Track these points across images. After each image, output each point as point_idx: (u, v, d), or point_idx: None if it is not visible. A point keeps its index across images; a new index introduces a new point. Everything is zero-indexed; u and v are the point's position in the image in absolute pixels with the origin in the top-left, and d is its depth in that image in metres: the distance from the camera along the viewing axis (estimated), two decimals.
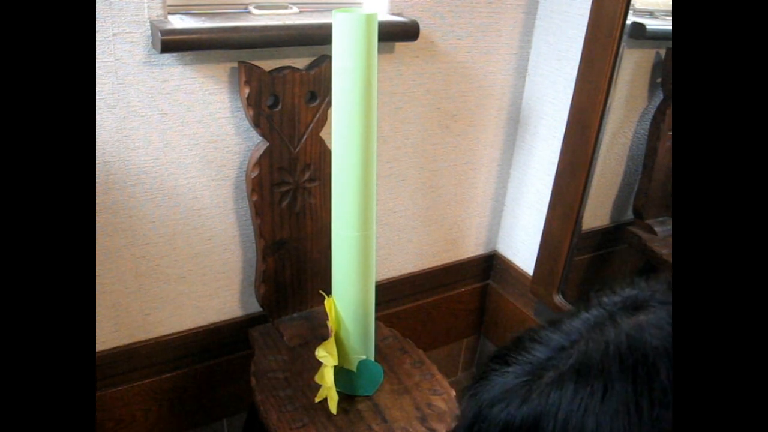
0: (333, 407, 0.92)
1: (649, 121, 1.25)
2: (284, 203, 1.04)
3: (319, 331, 1.09)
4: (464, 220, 1.39)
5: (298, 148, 1.01)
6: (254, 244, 1.08)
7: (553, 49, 1.22)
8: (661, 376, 0.32)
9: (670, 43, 1.20)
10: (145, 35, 0.88)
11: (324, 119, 1.02)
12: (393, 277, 1.34)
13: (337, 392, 0.93)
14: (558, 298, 1.27)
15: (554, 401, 0.34)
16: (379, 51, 0.88)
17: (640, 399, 0.32)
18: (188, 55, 0.93)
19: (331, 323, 0.95)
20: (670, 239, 1.27)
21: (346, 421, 0.92)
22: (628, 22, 1.05)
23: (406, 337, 1.11)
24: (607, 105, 1.10)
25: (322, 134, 1.03)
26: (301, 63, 1.00)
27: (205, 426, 1.23)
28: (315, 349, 0.94)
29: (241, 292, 1.15)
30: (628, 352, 0.33)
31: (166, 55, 0.91)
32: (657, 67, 1.23)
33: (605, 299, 0.40)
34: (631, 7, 1.03)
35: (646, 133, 1.26)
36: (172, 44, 0.85)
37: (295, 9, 1.02)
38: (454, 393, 0.98)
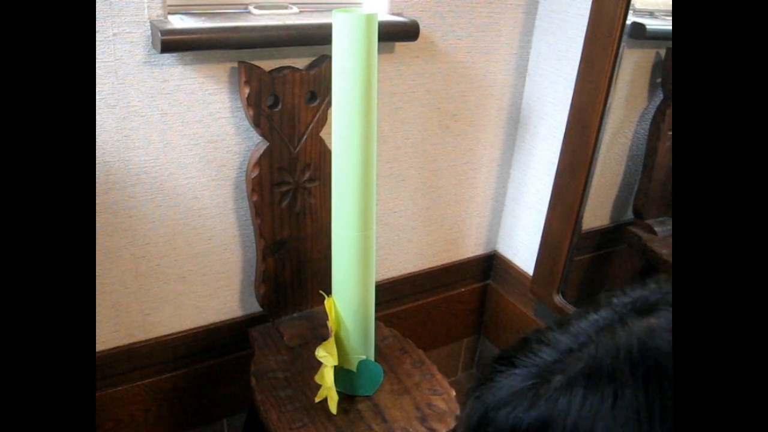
0: (333, 407, 0.92)
1: (649, 121, 1.25)
2: (284, 203, 1.04)
3: (319, 331, 1.09)
4: (464, 220, 1.39)
5: (298, 148, 1.01)
6: (254, 244, 1.08)
7: (553, 49, 1.22)
8: None
9: (670, 43, 1.20)
10: (145, 35, 0.88)
11: (324, 119, 1.02)
12: (393, 277, 1.34)
13: (337, 392, 0.93)
14: (558, 298, 1.27)
15: (563, 407, 0.33)
16: (379, 51, 0.88)
17: (652, 406, 0.31)
18: (188, 55, 0.93)
19: (331, 323, 0.95)
20: (670, 239, 1.27)
21: (346, 421, 0.92)
22: (628, 22, 1.05)
23: (406, 337, 1.11)
24: (607, 105, 1.10)
25: (322, 134, 1.03)
26: (301, 63, 1.00)
27: (205, 426, 1.23)
28: (315, 349, 0.94)
29: (241, 292, 1.15)
30: (640, 358, 0.33)
31: (166, 55, 0.91)
32: (657, 67, 1.23)
33: (615, 300, 0.39)
34: (631, 7, 1.03)
35: (646, 133, 1.26)
36: (172, 44, 0.85)
37: (295, 9, 1.02)
38: (454, 393, 0.98)
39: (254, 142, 1.02)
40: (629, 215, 1.33)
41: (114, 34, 0.86)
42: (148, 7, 0.87)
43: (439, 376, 1.01)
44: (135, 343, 1.08)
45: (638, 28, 1.11)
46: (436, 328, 1.47)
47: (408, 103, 1.17)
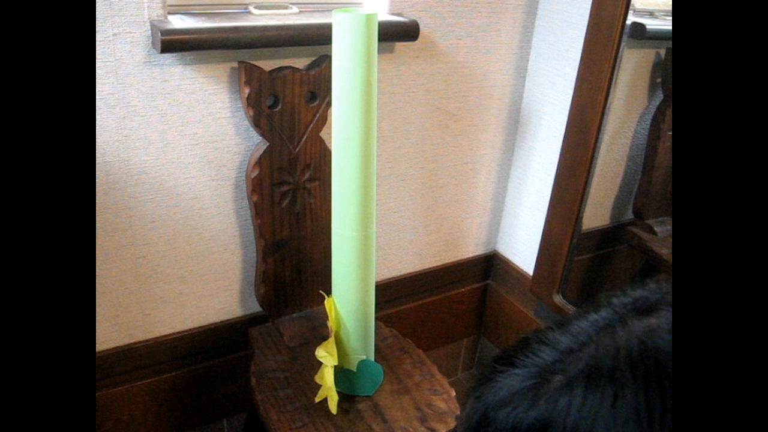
0: (333, 407, 0.92)
1: (649, 121, 1.25)
2: (284, 203, 1.04)
3: (319, 331, 1.09)
4: (464, 220, 1.39)
5: (298, 148, 1.01)
6: (254, 244, 1.08)
7: (553, 49, 1.22)
8: None
9: (670, 43, 1.20)
10: (145, 35, 0.88)
11: (324, 119, 1.02)
12: (393, 277, 1.34)
13: (337, 392, 0.93)
14: (558, 298, 1.27)
15: (563, 407, 0.33)
16: (379, 51, 0.88)
17: (652, 407, 0.31)
18: (188, 55, 0.93)
19: (331, 323, 0.95)
20: (670, 239, 1.27)
21: (346, 421, 0.92)
22: (628, 22, 1.05)
23: (406, 337, 1.11)
24: (607, 105, 1.10)
25: (322, 134, 1.03)
26: (301, 63, 1.00)
27: (205, 426, 1.23)
28: (315, 349, 0.94)
29: (241, 292, 1.15)
30: (640, 358, 0.32)
31: (166, 55, 0.91)
32: (657, 67, 1.23)
33: (615, 300, 0.39)
34: (631, 7, 1.03)
35: (646, 133, 1.26)
36: (172, 44, 0.85)
37: (295, 9, 1.02)
38: (454, 393, 0.98)
39: (254, 142, 1.02)
40: (629, 215, 1.33)
41: (114, 34, 0.86)
42: (148, 7, 0.87)
43: (439, 376, 1.01)
44: (135, 343, 1.08)
45: (638, 28, 1.11)
46: (436, 328, 1.47)
47: (408, 103, 1.17)
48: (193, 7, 0.98)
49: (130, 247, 1.00)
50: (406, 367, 1.04)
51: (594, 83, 1.09)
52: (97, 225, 0.96)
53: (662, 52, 1.21)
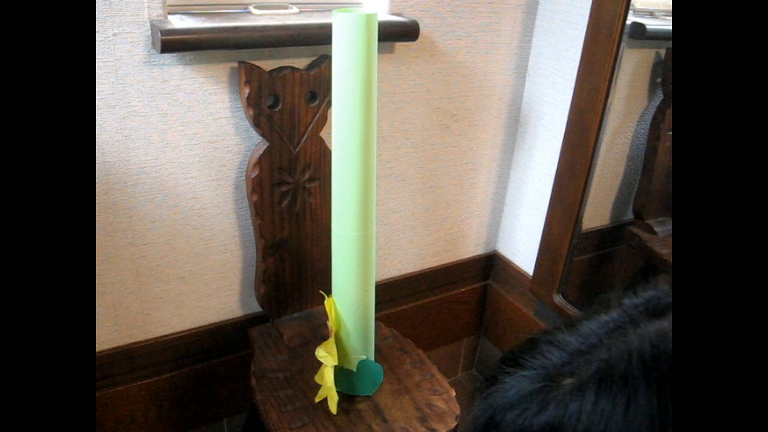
0: (333, 407, 0.92)
1: (649, 121, 1.25)
2: (284, 203, 1.04)
3: (319, 331, 1.09)
4: (464, 220, 1.39)
5: (298, 148, 1.01)
6: (254, 244, 1.08)
7: (553, 49, 1.22)
8: None
9: (670, 43, 1.20)
10: (145, 35, 0.88)
11: (324, 119, 1.02)
12: (393, 277, 1.34)
13: (337, 392, 0.93)
14: (558, 298, 1.27)
15: (574, 412, 0.33)
16: (379, 51, 0.88)
17: (665, 413, 0.30)
18: (188, 55, 0.93)
19: (331, 323, 0.95)
20: (670, 239, 1.27)
21: (346, 421, 0.92)
22: (628, 22, 1.05)
23: (406, 337, 1.11)
24: (607, 105, 1.10)
25: (322, 134, 1.03)
26: (301, 63, 1.00)
27: (205, 426, 1.23)
28: (315, 349, 0.94)
29: (241, 292, 1.15)
30: (653, 363, 0.32)
31: (166, 55, 0.91)
32: (657, 67, 1.23)
33: (626, 301, 0.38)
34: (631, 7, 1.03)
35: (646, 133, 1.26)
36: (172, 44, 0.85)
37: (295, 9, 1.02)
38: (454, 393, 0.98)
39: (254, 142, 1.02)
40: (629, 215, 1.33)
41: (114, 34, 0.86)
42: (148, 7, 0.87)
43: (439, 376, 1.01)
44: (135, 343, 1.08)
45: (638, 28, 1.11)
46: (436, 328, 1.47)
47: (408, 103, 1.17)
48: (193, 7, 0.98)
49: (130, 247, 1.00)
50: (406, 367, 1.04)
51: (594, 83, 1.09)
52: (97, 225, 0.96)
53: (662, 52, 1.21)
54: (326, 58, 0.99)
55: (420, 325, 1.43)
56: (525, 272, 1.39)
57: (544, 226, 1.27)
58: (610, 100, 1.10)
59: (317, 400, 0.94)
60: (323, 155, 1.04)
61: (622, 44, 1.06)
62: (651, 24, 1.14)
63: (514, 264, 1.43)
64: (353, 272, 0.92)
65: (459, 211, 1.37)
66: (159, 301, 1.07)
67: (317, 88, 1.00)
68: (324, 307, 0.97)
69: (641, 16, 1.12)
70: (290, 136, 1.00)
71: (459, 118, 1.25)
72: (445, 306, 1.46)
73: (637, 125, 1.26)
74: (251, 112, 0.95)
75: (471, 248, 1.44)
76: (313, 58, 1.02)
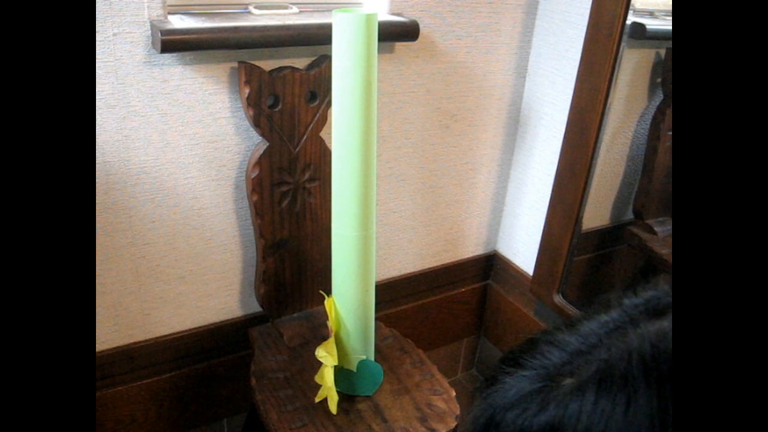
0: (333, 407, 0.92)
1: (649, 121, 1.25)
2: (284, 203, 1.04)
3: (319, 331, 1.09)
4: (464, 220, 1.39)
5: (298, 148, 1.01)
6: (254, 244, 1.08)
7: (553, 49, 1.22)
8: None
9: (670, 43, 1.20)
10: (145, 35, 0.88)
11: (324, 119, 1.02)
12: (393, 277, 1.34)
13: (337, 392, 0.93)
14: (558, 298, 1.27)
15: (573, 412, 0.33)
16: (379, 51, 0.88)
17: (665, 413, 0.30)
18: (188, 55, 0.93)
19: (331, 323, 0.95)
20: (670, 239, 1.27)
21: (346, 421, 0.92)
22: (628, 22, 1.05)
23: (406, 337, 1.11)
24: (607, 105, 1.10)
25: (322, 134, 1.03)
26: (301, 63, 1.00)
27: (205, 426, 1.23)
28: (315, 349, 0.94)
29: (241, 292, 1.15)
30: (653, 364, 0.32)
31: (166, 55, 0.91)
32: (657, 67, 1.23)
33: (626, 301, 0.38)
34: (631, 7, 1.03)
35: (646, 133, 1.26)
36: (172, 44, 0.85)
37: (295, 9, 1.02)
38: (454, 393, 0.98)
39: (254, 142, 1.02)
40: (629, 215, 1.33)
41: (114, 34, 0.86)
42: (148, 7, 0.87)
43: (439, 376, 1.01)
44: (135, 343, 1.08)
45: (638, 28, 1.11)
46: (436, 328, 1.47)
47: (408, 103, 1.17)
48: (193, 7, 0.98)
49: (130, 247, 1.00)
50: (406, 367, 1.04)
51: (594, 83, 1.09)
52: (97, 225, 0.96)
53: (662, 52, 1.21)
54: (326, 58, 0.99)
55: (420, 325, 1.43)
56: (525, 272, 1.39)
57: (544, 226, 1.27)
58: (610, 100, 1.10)
59: (317, 400, 0.94)
60: (323, 155, 1.04)
61: (622, 44, 1.06)
62: (651, 24, 1.14)
63: (514, 264, 1.43)
64: (353, 272, 0.92)
65: (459, 211, 1.37)
66: (159, 301, 1.07)
67: (317, 88, 1.00)
68: (324, 307, 0.97)
69: (641, 16, 1.12)
70: (290, 136, 1.00)
71: (459, 118, 1.25)
72: (445, 306, 1.46)
73: (637, 125, 1.26)
74: (251, 112, 0.95)
75: (471, 248, 1.44)
76: (313, 58, 1.02)
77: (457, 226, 1.38)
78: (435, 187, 1.30)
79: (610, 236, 1.35)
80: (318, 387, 0.94)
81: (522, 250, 1.40)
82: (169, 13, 0.92)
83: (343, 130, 0.85)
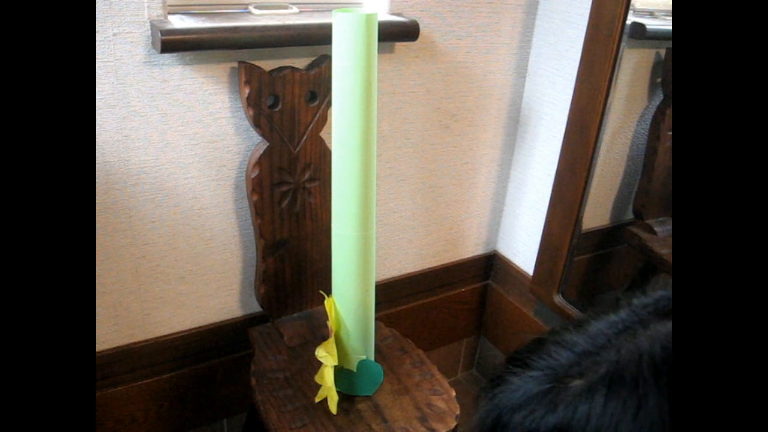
0: (333, 407, 0.92)
1: (649, 121, 1.25)
2: (284, 203, 1.04)
3: (319, 331, 1.09)
4: (464, 220, 1.39)
5: (298, 148, 1.01)
6: (254, 244, 1.08)
7: (553, 49, 1.22)
8: None
9: (670, 43, 1.20)
10: (145, 35, 0.88)
11: (324, 119, 1.02)
12: (393, 277, 1.34)
13: (337, 392, 0.93)
14: (558, 298, 1.27)
15: (583, 414, 0.32)
16: (379, 51, 0.88)
17: None
18: (188, 55, 0.93)
19: (331, 323, 0.95)
20: (670, 239, 1.27)
21: (346, 421, 0.92)
22: (628, 22, 1.05)
23: (406, 337, 1.11)
24: (607, 105, 1.10)
25: (322, 134, 1.03)
26: (301, 63, 1.00)
27: (205, 426, 1.23)
28: (315, 349, 0.94)
29: (241, 292, 1.15)
30: (664, 367, 0.31)
31: (166, 55, 0.91)
32: (657, 67, 1.23)
33: (635, 301, 0.37)
34: (631, 7, 1.03)
35: (646, 133, 1.26)
36: (172, 44, 0.85)
37: (295, 9, 1.02)
38: (454, 393, 0.98)
39: (254, 142, 1.02)
40: (629, 215, 1.33)
41: (114, 34, 0.86)
42: (148, 7, 0.87)
43: (439, 376, 1.01)
44: (135, 343, 1.08)
45: (638, 28, 1.11)
46: (436, 328, 1.47)
47: (408, 103, 1.17)
48: (193, 7, 0.98)
49: (130, 247, 1.00)
50: (406, 367, 1.04)
51: (594, 83, 1.09)
52: (97, 225, 0.96)
53: (662, 52, 1.21)
54: (326, 58, 0.99)
55: (420, 325, 1.43)
56: (525, 272, 1.39)
57: (544, 226, 1.27)
58: (610, 100, 1.10)
59: (317, 400, 0.94)
60: (323, 155, 1.04)
61: (622, 44, 1.06)
62: (651, 24, 1.14)
63: (514, 264, 1.43)
64: (353, 272, 0.92)
65: (459, 211, 1.36)
66: (159, 301, 1.07)
67: (317, 88, 1.00)
68: (324, 307, 0.97)
69: (641, 16, 1.12)
70: (290, 136, 1.00)
71: (459, 118, 1.25)
72: (445, 306, 1.46)
73: (637, 125, 1.26)
74: (251, 112, 0.95)
75: (471, 248, 1.44)
76: (313, 58, 1.02)
77: (457, 226, 1.38)
78: (435, 187, 1.30)
79: (610, 236, 1.35)
80: (318, 387, 0.94)
81: (522, 250, 1.40)
82: (169, 13, 0.92)
83: (343, 130, 0.85)
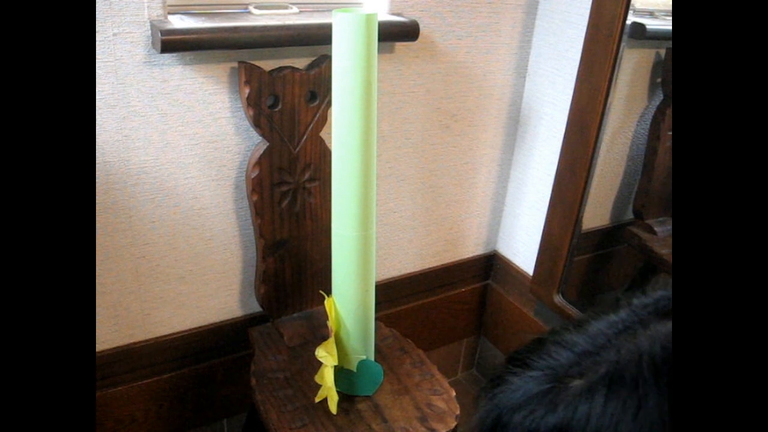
0: (333, 407, 0.92)
1: (649, 121, 1.25)
2: (284, 203, 1.04)
3: (319, 331, 1.09)
4: (464, 220, 1.39)
5: (298, 148, 1.01)
6: (254, 244, 1.08)
7: (553, 49, 1.22)
8: None
9: (670, 43, 1.20)
10: (145, 35, 0.88)
11: (324, 119, 1.02)
12: (393, 277, 1.34)
13: (337, 392, 0.93)
14: (558, 298, 1.27)
15: (583, 414, 0.32)
16: (379, 51, 0.88)
17: None
18: (188, 55, 0.93)
19: (331, 323, 0.95)
20: (670, 239, 1.27)
21: (346, 421, 0.92)
22: (628, 22, 1.05)
23: (406, 337, 1.11)
24: (607, 105, 1.10)
25: (322, 134, 1.03)
26: (301, 63, 1.00)
27: (205, 426, 1.23)
28: (315, 349, 0.94)
29: (241, 292, 1.15)
30: (664, 367, 0.31)
31: (166, 55, 0.91)
32: (657, 67, 1.23)
33: (635, 301, 0.37)
34: (631, 7, 1.03)
35: (646, 133, 1.26)
36: (172, 44, 0.85)
37: (295, 9, 1.02)
38: (454, 393, 0.98)
39: (254, 142, 1.02)
40: (629, 215, 1.33)
41: (114, 34, 0.86)
42: (148, 7, 0.87)
43: (439, 376, 1.01)
44: (135, 343, 1.08)
45: (638, 28, 1.11)
46: (436, 328, 1.47)
47: (408, 103, 1.17)
48: (193, 7, 0.98)
49: (130, 247, 1.00)
50: (406, 367, 1.04)
51: (594, 83, 1.09)
52: (97, 225, 0.96)
53: (662, 52, 1.21)
54: (326, 58, 0.99)
55: (420, 325, 1.43)
56: (525, 272, 1.39)
57: (544, 226, 1.27)
58: (610, 100, 1.10)
59: (317, 400, 0.94)
60: (323, 155, 1.04)
61: (622, 44, 1.06)
62: (651, 24, 1.14)
63: (514, 264, 1.43)
64: (353, 272, 0.92)
65: (459, 211, 1.36)
66: (159, 301, 1.07)
67: (317, 88, 1.00)
68: (324, 307, 0.97)
69: (641, 16, 1.12)
70: (290, 136, 1.00)
71: (459, 118, 1.25)
72: (445, 306, 1.46)
73: (637, 125, 1.26)
74: (251, 112, 0.95)
75: (471, 248, 1.44)
76: (313, 58, 1.02)
77: (457, 226, 1.38)
78: (435, 187, 1.30)
79: (610, 236, 1.35)
80: (318, 387, 0.94)
81: (522, 250, 1.40)
82: (169, 13, 0.92)
83: (343, 130, 0.85)
